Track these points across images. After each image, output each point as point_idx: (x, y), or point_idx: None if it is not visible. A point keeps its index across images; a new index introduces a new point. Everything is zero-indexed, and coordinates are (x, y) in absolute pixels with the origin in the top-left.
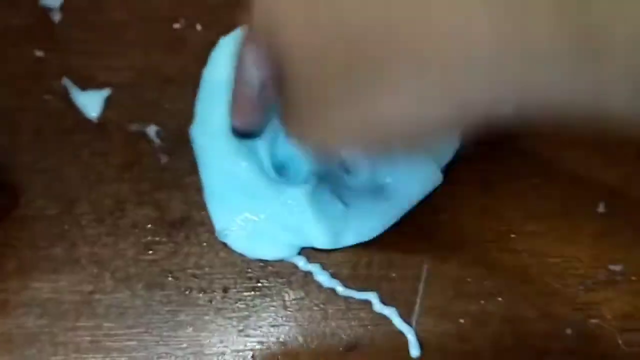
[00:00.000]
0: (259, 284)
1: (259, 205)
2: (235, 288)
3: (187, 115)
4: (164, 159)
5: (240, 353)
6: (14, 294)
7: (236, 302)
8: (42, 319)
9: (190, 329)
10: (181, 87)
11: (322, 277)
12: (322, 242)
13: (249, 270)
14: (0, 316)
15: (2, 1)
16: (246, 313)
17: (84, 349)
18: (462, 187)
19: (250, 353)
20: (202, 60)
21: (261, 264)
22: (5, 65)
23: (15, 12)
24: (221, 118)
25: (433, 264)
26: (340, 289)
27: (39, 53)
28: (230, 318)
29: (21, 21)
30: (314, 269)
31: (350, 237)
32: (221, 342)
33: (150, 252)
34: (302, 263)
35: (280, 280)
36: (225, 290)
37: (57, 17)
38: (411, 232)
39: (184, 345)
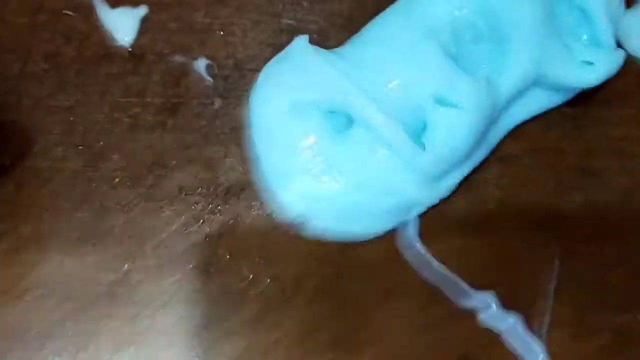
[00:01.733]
0: (343, 274)
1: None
2: (311, 278)
3: (244, 45)
4: (217, 103)
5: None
6: (30, 269)
7: (311, 302)
8: (65, 304)
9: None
10: (238, 9)
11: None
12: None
13: (328, 252)
14: (13, 299)
15: None
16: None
17: (121, 343)
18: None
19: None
20: None
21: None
22: None
23: None
24: None
25: (566, 260)
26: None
27: None
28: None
29: None
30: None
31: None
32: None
33: (202, 223)
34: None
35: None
36: (298, 280)
37: None
38: (536, 215)
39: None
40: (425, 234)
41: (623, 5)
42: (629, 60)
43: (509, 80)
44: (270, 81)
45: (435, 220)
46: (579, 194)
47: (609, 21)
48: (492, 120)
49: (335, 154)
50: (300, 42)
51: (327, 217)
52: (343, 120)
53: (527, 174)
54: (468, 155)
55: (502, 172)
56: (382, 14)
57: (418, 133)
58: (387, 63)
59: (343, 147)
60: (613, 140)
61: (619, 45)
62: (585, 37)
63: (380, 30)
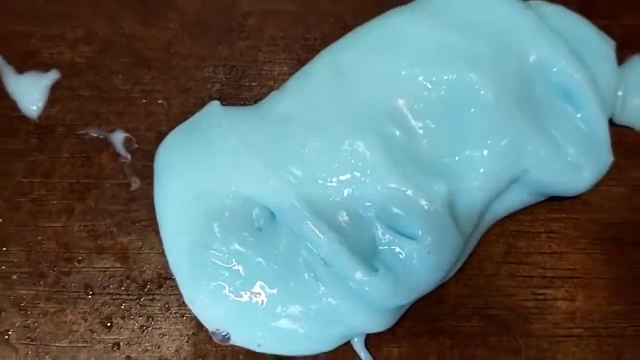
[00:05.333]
0: None
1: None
2: None
3: (169, 116)
4: (134, 184)
5: None
6: None
7: None
8: None
9: None
10: (163, 73)
11: None
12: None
13: None
14: None
15: None
16: None
17: None
18: None
19: None
20: (193, 33)
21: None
22: None
23: None
24: None
25: None
26: None
27: None
28: None
29: None
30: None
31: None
32: None
33: (111, 327)
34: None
35: None
36: None
37: None
38: (502, 316)
39: None
40: (374, 338)
41: (615, 73)
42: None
43: (476, 188)
44: (172, 160)
45: None
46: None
47: (597, 103)
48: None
49: (255, 265)
50: (212, 109)
51: (252, 335)
52: (263, 213)
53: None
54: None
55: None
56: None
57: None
58: (318, 151)
59: (265, 256)
60: None
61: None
62: (573, 126)
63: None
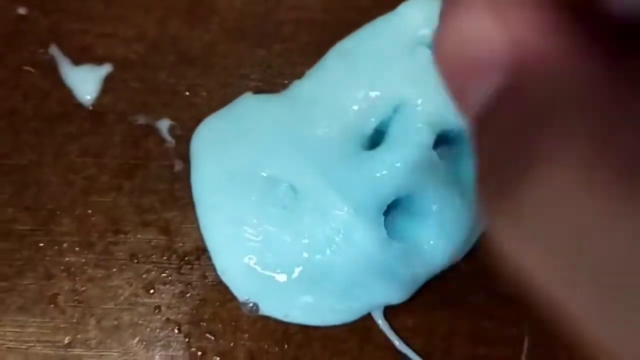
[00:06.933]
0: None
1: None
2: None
3: (210, 107)
4: (177, 165)
5: None
6: None
7: None
8: None
9: None
10: (205, 70)
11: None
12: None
13: (290, 328)
14: None
15: None
16: None
17: None
18: None
19: None
20: (233, 37)
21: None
22: None
23: None
24: None
25: (538, 337)
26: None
27: (22, 10)
28: None
29: None
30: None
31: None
32: None
33: (153, 293)
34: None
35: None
36: (251, 357)
37: None
38: (505, 292)
39: None
40: (390, 310)
41: None
42: None
43: None
44: (209, 143)
45: None
46: None
47: None
48: None
49: (282, 242)
50: (247, 99)
51: (279, 307)
52: (289, 190)
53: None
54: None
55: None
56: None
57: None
58: None
59: (291, 232)
60: None
61: None
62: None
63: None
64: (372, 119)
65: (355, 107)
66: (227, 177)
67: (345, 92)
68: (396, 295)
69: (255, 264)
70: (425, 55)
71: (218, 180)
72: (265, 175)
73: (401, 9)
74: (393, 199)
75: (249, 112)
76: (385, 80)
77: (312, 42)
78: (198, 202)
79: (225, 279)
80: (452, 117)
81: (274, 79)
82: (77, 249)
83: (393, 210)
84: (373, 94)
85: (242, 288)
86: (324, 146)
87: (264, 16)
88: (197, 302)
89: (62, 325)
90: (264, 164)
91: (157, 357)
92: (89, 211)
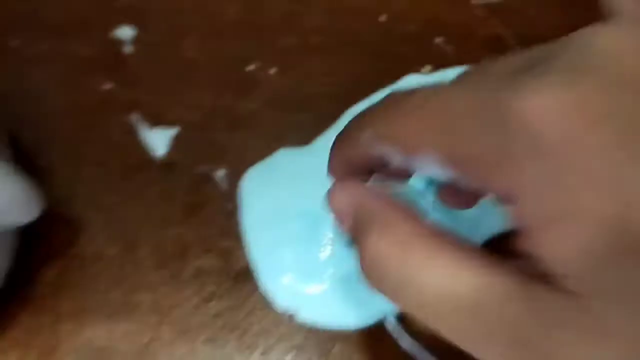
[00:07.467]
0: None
1: (330, 266)
2: (303, 353)
3: (256, 160)
4: (230, 205)
5: None
6: (66, 338)
7: None
8: None
9: None
10: (251, 130)
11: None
12: None
13: (318, 335)
14: None
15: (72, 31)
16: None
17: None
18: None
19: None
20: (274, 104)
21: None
22: (73, 96)
23: (86, 42)
24: None
25: None
26: None
27: (108, 85)
28: None
29: (91, 51)
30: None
31: None
32: None
33: (213, 303)
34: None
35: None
36: (293, 355)
37: (128, 49)
38: None
39: None
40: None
41: None
42: None
43: None
44: (253, 187)
45: None
46: None
47: None
48: None
49: (318, 260)
50: (283, 152)
51: (310, 315)
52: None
53: None
54: None
55: None
56: None
57: None
58: None
59: (321, 253)
60: None
61: None
62: None
63: None
64: None
65: None
66: (267, 212)
67: None
68: None
69: (290, 280)
70: None
71: (260, 216)
72: (297, 209)
73: (406, 78)
74: None
75: (283, 161)
76: None
77: (334, 110)
78: (245, 233)
79: (267, 294)
80: None
81: (304, 138)
82: (154, 268)
83: None
84: None
85: (281, 301)
86: None
87: (296, 89)
88: (247, 311)
89: (143, 328)
90: (295, 201)
91: (217, 353)
92: (164, 239)
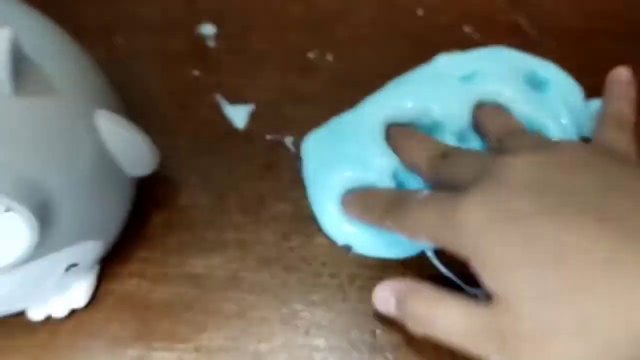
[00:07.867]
0: (383, 275)
1: None
2: (360, 277)
3: (316, 127)
4: (297, 164)
5: (365, 330)
6: (174, 268)
7: (361, 290)
8: (196, 290)
9: (322, 308)
10: (313, 106)
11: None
12: None
13: (371, 262)
14: (162, 285)
15: (165, 30)
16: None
17: (231, 315)
18: None
19: (376, 331)
20: (332, 85)
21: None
22: (168, 81)
23: (177, 39)
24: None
25: None
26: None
27: (196, 73)
28: (358, 300)
29: (182, 46)
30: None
31: None
32: (347, 321)
33: (287, 240)
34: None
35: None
36: (351, 278)
37: (211, 43)
38: None
39: (316, 319)
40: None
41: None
42: None
43: None
44: (312, 146)
45: None
46: None
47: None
48: None
49: None
50: (334, 120)
51: (365, 247)
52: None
53: None
54: None
55: None
56: None
57: None
58: None
59: None
60: None
61: None
62: None
63: None
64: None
65: None
66: (322, 164)
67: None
68: None
69: (347, 220)
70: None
71: (317, 167)
72: (346, 159)
73: (437, 56)
74: None
75: (334, 126)
76: None
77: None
78: (308, 184)
79: (328, 231)
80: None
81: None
82: (239, 214)
83: None
84: None
85: (340, 237)
86: None
87: (349, 72)
88: (315, 245)
89: (233, 259)
90: (344, 151)
91: (292, 277)
92: (246, 191)
